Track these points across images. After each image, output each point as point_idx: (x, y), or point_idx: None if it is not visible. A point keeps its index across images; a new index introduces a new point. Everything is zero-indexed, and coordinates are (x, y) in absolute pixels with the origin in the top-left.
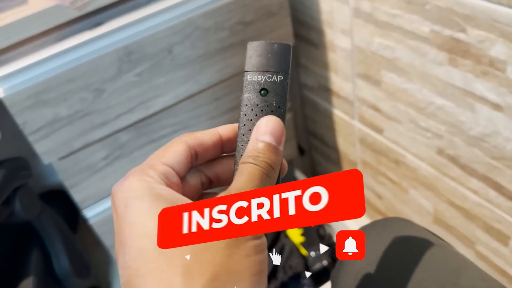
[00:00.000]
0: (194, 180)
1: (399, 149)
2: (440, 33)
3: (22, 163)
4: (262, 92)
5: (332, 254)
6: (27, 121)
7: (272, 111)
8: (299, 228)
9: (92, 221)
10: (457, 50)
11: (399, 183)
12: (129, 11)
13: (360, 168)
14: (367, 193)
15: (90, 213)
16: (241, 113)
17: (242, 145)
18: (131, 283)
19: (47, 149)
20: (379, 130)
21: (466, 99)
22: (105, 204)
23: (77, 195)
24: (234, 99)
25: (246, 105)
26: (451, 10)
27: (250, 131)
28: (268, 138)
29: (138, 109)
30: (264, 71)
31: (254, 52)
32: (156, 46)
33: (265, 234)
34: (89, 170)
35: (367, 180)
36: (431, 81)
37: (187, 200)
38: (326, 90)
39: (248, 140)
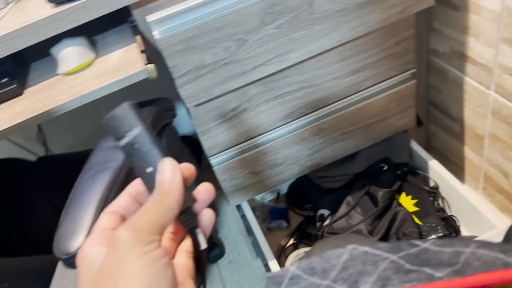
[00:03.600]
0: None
1: None
2: None
3: (169, 103)
4: (128, 154)
5: (448, 226)
6: (177, 65)
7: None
8: (413, 198)
9: (215, 167)
10: None
11: None
12: None
13: (487, 142)
14: (491, 170)
15: (214, 161)
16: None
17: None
18: None
19: (190, 94)
20: None
21: None
22: (228, 154)
23: (206, 142)
24: (359, 60)
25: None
26: None
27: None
28: (167, 176)
29: (273, 62)
30: (119, 139)
31: (108, 128)
32: None
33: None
34: (219, 119)
35: (494, 155)
36: None
37: None
38: (460, 57)
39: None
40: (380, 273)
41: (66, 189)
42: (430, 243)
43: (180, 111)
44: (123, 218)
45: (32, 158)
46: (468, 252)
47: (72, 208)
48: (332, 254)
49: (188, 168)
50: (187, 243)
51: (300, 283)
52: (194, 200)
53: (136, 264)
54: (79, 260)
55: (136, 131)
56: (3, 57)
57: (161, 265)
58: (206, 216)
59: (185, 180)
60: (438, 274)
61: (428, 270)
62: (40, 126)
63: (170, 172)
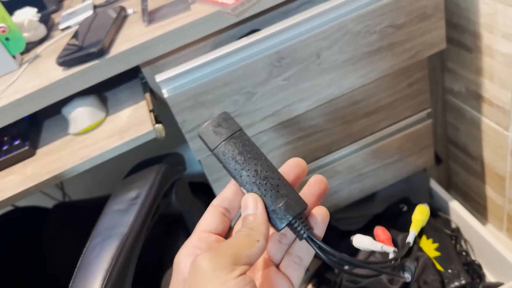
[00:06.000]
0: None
1: None
2: None
3: (179, 158)
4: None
5: (471, 272)
6: (186, 120)
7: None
8: (434, 242)
9: None
10: None
11: None
12: (281, 17)
13: (508, 183)
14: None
15: None
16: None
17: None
18: None
19: (199, 147)
20: None
21: None
22: None
23: (219, 190)
24: (372, 103)
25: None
26: None
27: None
28: (250, 211)
29: (282, 112)
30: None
31: (205, 138)
32: (305, 51)
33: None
34: None
35: None
36: None
37: None
38: (475, 97)
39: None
40: None
41: (83, 238)
42: None
43: (189, 153)
44: (226, 213)
45: (49, 202)
46: None
47: (79, 279)
48: None
49: (298, 164)
50: (299, 247)
51: None
52: (303, 204)
53: None
54: (174, 264)
55: (220, 148)
56: None
57: None
58: (319, 215)
59: (295, 179)
60: None
61: None
62: None
63: (253, 207)
